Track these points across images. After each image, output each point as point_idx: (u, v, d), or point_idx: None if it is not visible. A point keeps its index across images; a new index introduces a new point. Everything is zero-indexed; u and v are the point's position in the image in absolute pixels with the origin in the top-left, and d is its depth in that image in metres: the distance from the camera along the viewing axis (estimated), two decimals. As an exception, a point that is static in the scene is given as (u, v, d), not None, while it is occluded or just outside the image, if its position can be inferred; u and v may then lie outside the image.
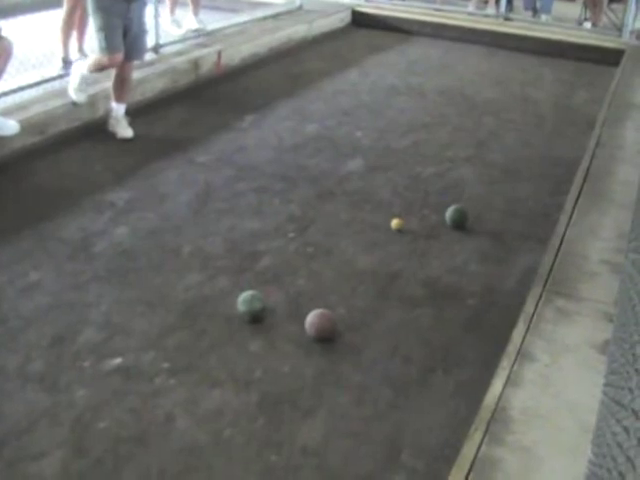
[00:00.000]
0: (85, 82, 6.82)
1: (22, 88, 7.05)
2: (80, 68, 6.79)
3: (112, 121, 6.98)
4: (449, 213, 5.57)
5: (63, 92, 7.11)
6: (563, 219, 5.45)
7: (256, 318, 4.35)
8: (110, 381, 3.87)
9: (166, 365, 4.00)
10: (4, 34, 6.24)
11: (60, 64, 7.84)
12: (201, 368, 3.99)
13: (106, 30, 6.37)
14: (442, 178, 6.42)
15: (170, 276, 4.82)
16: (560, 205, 5.79)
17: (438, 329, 4.41)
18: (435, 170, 6.56)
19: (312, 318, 4.23)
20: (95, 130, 6.81)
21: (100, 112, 7.15)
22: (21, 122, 6.43)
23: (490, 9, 12.24)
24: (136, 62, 7.08)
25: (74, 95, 6.89)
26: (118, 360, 4.02)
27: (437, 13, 11.92)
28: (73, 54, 7.86)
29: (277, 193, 5.99)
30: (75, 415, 3.63)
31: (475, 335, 4.38)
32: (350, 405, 3.79)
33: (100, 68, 6.64)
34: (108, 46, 6.41)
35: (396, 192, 6.10)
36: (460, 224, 5.55)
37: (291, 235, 5.36)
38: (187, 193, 5.94)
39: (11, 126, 6.33)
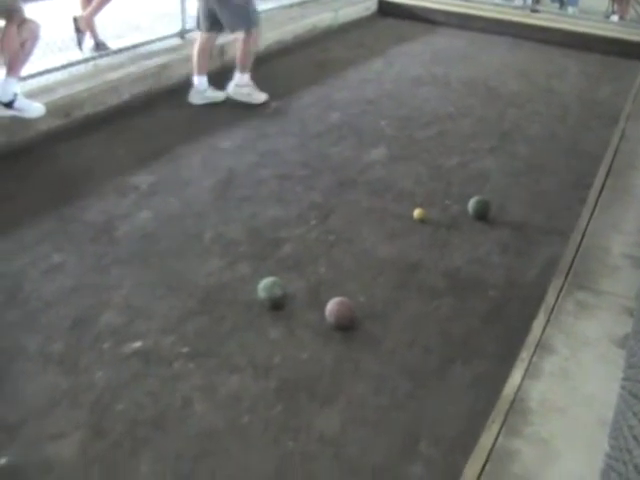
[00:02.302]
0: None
1: (48, 71, 7.08)
2: (243, 78, 7.42)
3: (244, 90, 7.51)
4: (471, 204, 5.56)
5: (88, 75, 7.17)
6: (585, 212, 5.45)
7: (276, 305, 4.36)
8: (129, 364, 3.90)
9: (185, 349, 4.02)
10: (30, 17, 6.27)
11: (90, 46, 7.89)
12: (220, 353, 4.01)
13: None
14: (465, 169, 6.40)
15: (191, 261, 4.84)
16: (583, 198, 5.78)
17: (458, 320, 4.41)
18: (458, 161, 6.54)
19: (332, 306, 4.24)
20: (119, 115, 6.83)
21: (125, 97, 7.17)
22: (46, 105, 6.46)
23: (517, 0, 12.18)
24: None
25: (256, 98, 7.44)
26: (138, 343, 4.05)
27: (463, 3, 11.85)
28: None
29: (299, 180, 6.00)
30: (94, 397, 3.66)
31: (495, 326, 4.37)
32: (368, 394, 3.79)
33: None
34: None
35: (419, 182, 6.09)
36: (482, 215, 5.53)
37: (313, 223, 5.36)
38: (210, 178, 5.95)
39: (36, 108, 6.36)
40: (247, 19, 7.29)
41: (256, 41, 7.52)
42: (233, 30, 7.37)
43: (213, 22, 7.26)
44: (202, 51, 7.43)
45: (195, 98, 7.43)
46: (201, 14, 7.33)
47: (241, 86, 7.56)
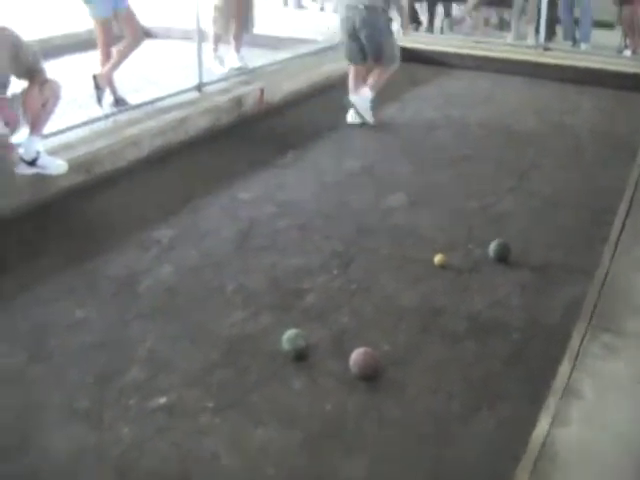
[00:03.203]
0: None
1: (69, 128, 7.17)
2: (365, 93, 8.25)
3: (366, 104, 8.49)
4: (492, 247, 5.55)
5: (108, 131, 7.25)
6: (607, 251, 5.43)
7: (300, 356, 4.36)
8: (154, 419, 3.90)
9: (210, 403, 4.02)
10: (51, 76, 6.36)
11: (110, 102, 7.99)
12: (245, 406, 4.01)
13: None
14: (485, 211, 6.40)
15: (214, 313, 4.86)
16: (604, 237, 5.76)
17: (481, 364, 4.39)
18: (478, 203, 6.54)
19: (356, 356, 4.23)
20: (139, 169, 6.89)
21: (145, 151, 7.24)
22: (68, 161, 6.52)
23: (530, 40, 12.23)
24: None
25: (367, 117, 8.27)
26: (163, 398, 4.05)
27: (477, 45, 11.92)
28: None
29: (319, 229, 6.02)
30: (119, 452, 3.66)
31: (519, 370, 4.35)
32: (393, 442, 3.78)
33: None
34: None
35: (438, 227, 6.10)
36: (503, 257, 5.52)
37: (334, 272, 5.37)
38: (230, 230, 5.99)
39: (59, 165, 6.43)
40: (392, 54, 8.57)
41: (390, 74, 8.70)
42: (377, 61, 8.52)
43: (363, 55, 8.54)
44: (356, 77, 8.68)
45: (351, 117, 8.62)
46: (351, 50, 8.58)
47: (364, 100, 8.51)
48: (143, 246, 5.71)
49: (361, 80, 8.65)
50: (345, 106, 8.55)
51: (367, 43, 8.40)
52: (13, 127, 6.00)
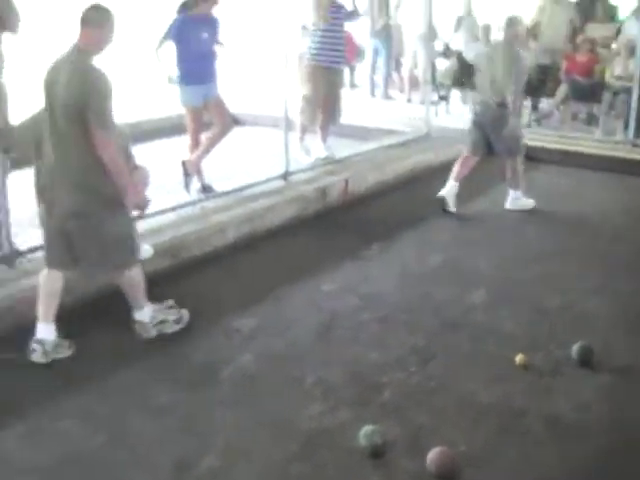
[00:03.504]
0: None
1: (157, 213, 7.33)
2: (517, 193, 8.91)
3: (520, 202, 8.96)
4: (575, 349, 5.47)
5: (195, 217, 7.40)
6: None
7: (376, 453, 4.35)
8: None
9: (286, 496, 4.04)
10: (140, 163, 6.53)
11: (197, 188, 8.17)
12: (321, 501, 4.01)
13: None
14: (569, 310, 6.33)
15: (293, 404, 4.88)
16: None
17: (561, 469, 4.32)
18: (561, 302, 6.47)
19: (433, 455, 4.21)
20: (225, 256, 6.99)
21: (230, 238, 7.36)
22: (155, 246, 6.67)
23: (618, 135, 12.15)
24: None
25: (528, 204, 8.86)
26: (239, 488, 4.09)
27: (564, 140, 11.88)
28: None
29: (401, 324, 6.03)
30: None
31: (600, 476, 4.27)
32: None
33: None
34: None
35: (521, 325, 6.05)
36: (586, 360, 5.44)
37: (413, 368, 5.36)
38: (312, 320, 6.04)
39: (145, 250, 6.56)
40: (518, 147, 8.82)
41: (521, 164, 8.99)
42: (509, 155, 8.81)
43: (488, 149, 8.87)
44: (464, 165, 8.97)
45: (512, 204, 9.00)
46: (477, 141, 8.88)
47: (516, 199, 8.93)
48: (226, 333, 5.80)
49: (467, 171, 8.96)
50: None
51: (495, 137, 8.70)
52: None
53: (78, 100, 5.04)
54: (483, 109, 8.76)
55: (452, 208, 8.76)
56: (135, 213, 5.65)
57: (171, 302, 5.94)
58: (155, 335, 5.71)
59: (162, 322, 5.78)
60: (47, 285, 5.50)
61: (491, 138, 8.75)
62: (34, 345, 5.34)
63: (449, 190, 8.84)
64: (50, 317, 5.44)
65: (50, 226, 5.48)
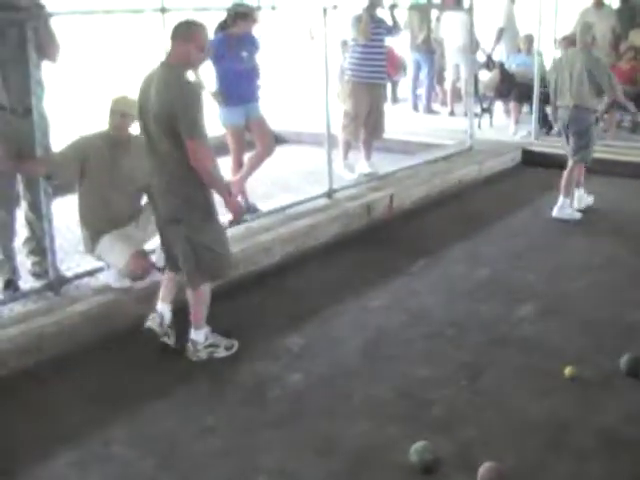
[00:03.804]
0: None
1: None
2: (566, 201, 8.97)
3: (567, 211, 9.08)
4: (624, 360, 5.43)
5: (241, 237, 7.47)
6: None
7: (427, 469, 4.34)
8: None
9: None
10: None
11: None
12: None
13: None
14: (616, 322, 6.27)
15: (341, 423, 4.89)
16: None
17: (613, 483, 4.30)
18: (609, 314, 6.42)
19: (483, 471, 4.20)
20: (271, 275, 7.01)
21: (276, 257, 7.39)
22: (201, 268, 6.70)
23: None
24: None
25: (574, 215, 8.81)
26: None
27: (608, 149, 11.78)
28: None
29: (448, 339, 6.02)
30: None
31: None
32: None
33: None
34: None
35: (569, 338, 6.01)
36: (635, 371, 5.39)
37: (462, 383, 5.35)
38: (359, 338, 6.04)
39: None
40: (586, 151, 9.00)
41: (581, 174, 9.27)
42: (574, 155, 9.02)
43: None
44: (569, 176, 9.11)
45: (559, 212, 9.06)
46: (565, 146, 9.23)
47: (563, 208, 9.01)
48: (274, 353, 5.82)
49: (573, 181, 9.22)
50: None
51: (571, 137, 9.04)
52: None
53: (169, 112, 5.20)
54: (563, 113, 9.03)
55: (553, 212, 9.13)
56: (231, 219, 6.07)
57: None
58: (204, 358, 5.75)
59: (214, 346, 5.83)
60: (164, 282, 5.95)
61: (568, 139, 9.08)
62: (154, 314, 5.84)
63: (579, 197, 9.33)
64: (167, 300, 5.89)
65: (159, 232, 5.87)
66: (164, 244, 5.81)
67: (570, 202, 9.11)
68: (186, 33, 5.37)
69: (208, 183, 5.41)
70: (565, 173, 9.08)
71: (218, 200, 5.57)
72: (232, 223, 6.40)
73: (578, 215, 9.05)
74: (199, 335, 5.79)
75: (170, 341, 5.84)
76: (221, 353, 5.84)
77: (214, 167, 5.53)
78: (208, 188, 5.47)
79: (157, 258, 6.42)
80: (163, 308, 5.84)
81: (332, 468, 4.43)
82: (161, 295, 5.90)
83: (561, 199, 9.04)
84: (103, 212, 6.25)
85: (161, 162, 5.43)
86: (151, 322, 5.80)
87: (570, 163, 9.09)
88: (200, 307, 5.78)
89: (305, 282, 7.14)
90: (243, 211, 5.84)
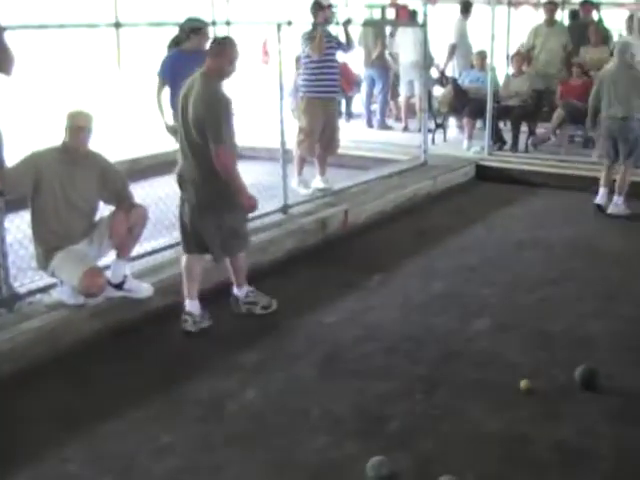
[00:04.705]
0: None
1: (156, 251, 7.35)
2: (620, 198, 9.65)
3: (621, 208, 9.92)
4: (578, 372, 5.47)
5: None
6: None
7: (384, 484, 4.34)
8: None
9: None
10: (137, 202, 6.57)
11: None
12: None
13: None
14: (571, 335, 6.33)
15: (299, 439, 4.88)
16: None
17: (570, 496, 4.32)
18: (563, 326, 6.47)
19: (441, 485, 4.22)
20: (226, 292, 6.97)
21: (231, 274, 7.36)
22: (155, 284, 6.68)
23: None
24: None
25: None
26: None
27: (561, 164, 11.91)
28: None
29: (405, 354, 6.02)
30: None
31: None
32: None
33: None
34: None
35: (524, 351, 6.04)
36: (590, 383, 5.43)
37: (419, 397, 5.35)
38: (315, 354, 6.03)
39: (145, 289, 6.58)
40: (638, 157, 9.82)
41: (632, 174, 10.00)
42: (627, 159, 9.80)
43: (616, 156, 9.87)
44: (608, 174, 10.04)
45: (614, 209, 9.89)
46: (609, 150, 9.93)
47: (618, 205, 9.83)
48: (229, 370, 5.78)
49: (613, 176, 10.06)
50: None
51: (622, 145, 9.80)
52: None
53: (200, 118, 6.06)
54: (611, 122, 9.86)
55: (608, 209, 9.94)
56: (246, 212, 6.66)
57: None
58: (244, 312, 6.71)
59: (253, 303, 6.78)
60: (187, 268, 6.52)
61: (619, 146, 9.83)
62: (185, 316, 6.42)
63: (602, 196, 10.01)
64: (194, 295, 6.51)
65: (185, 219, 6.48)
66: (194, 230, 6.42)
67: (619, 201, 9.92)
68: (217, 49, 6.30)
69: (227, 181, 6.20)
70: (620, 175, 9.93)
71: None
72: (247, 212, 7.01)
73: (628, 210, 9.89)
74: (240, 292, 6.79)
75: (208, 323, 6.52)
76: (258, 310, 6.75)
77: (234, 169, 6.28)
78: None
79: (112, 275, 6.39)
80: (191, 306, 6.49)
81: (291, 484, 4.42)
82: (186, 292, 6.52)
83: (615, 198, 9.89)
84: (57, 228, 6.17)
85: (198, 159, 6.22)
86: (186, 325, 6.42)
87: (622, 167, 9.91)
88: (240, 269, 6.78)
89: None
90: (256, 206, 6.48)
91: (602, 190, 10.04)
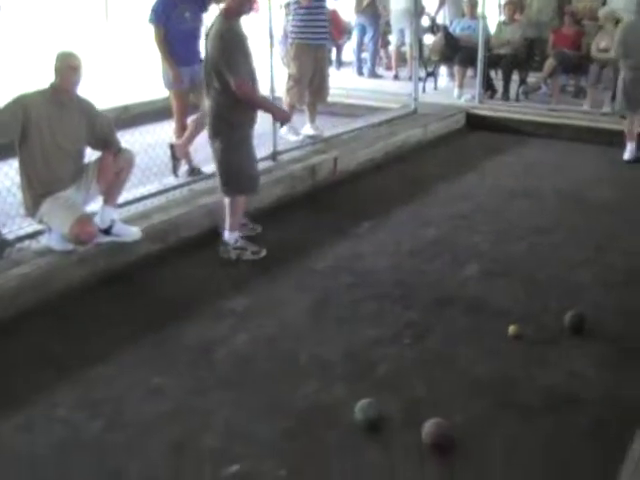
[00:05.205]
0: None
1: (145, 197, 7.31)
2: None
3: None
4: (567, 318, 5.49)
5: (184, 200, 7.38)
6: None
7: (373, 426, 4.35)
8: (229, 488, 3.92)
9: (283, 472, 4.05)
10: (125, 146, 6.52)
11: (185, 171, 8.14)
12: (318, 476, 4.02)
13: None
14: (560, 282, 6.34)
15: (288, 383, 4.88)
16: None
17: (557, 439, 4.33)
18: (553, 274, 6.48)
19: (429, 427, 4.22)
20: (215, 238, 6.95)
21: (219, 220, 7.32)
22: (144, 230, 6.65)
23: (606, 107, 12.10)
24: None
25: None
26: (236, 467, 4.09)
27: (552, 113, 11.87)
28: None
29: (395, 300, 6.01)
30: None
31: (596, 446, 4.28)
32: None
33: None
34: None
35: (514, 297, 6.05)
36: (579, 329, 5.45)
37: (408, 342, 5.37)
38: (305, 300, 6.02)
39: (133, 232, 6.55)
40: None
41: None
42: None
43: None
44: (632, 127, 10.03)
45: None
46: (632, 97, 9.89)
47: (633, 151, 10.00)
48: (218, 315, 5.78)
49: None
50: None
51: None
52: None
53: (215, 55, 6.36)
54: (635, 72, 9.79)
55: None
56: (282, 125, 7.56)
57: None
58: (234, 258, 6.68)
59: (242, 248, 6.80)
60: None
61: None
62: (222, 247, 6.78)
63: (630, 151, 10.06)
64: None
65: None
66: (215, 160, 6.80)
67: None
68: None
69: (255, 106, 6.65)
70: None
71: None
72: (282, 124, 7.76)
73: None
74: (229, 237, 6.80)
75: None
76: (248, 256, 6.76)
77: (257, 95, 6.67)
78: (248, 121, 6.67)
79: (100, 220, 6.35)
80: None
81: (279, 427, 4.42)
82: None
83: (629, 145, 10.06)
84: (45, 173, 6.10)
85: (213, 94, 6.51)
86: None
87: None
88: (232, 213, 6.78)
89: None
90: (289, 117, 7.03)
91: (630, 145, 10.06)
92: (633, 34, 9.82)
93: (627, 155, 10.02)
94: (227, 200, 6.76)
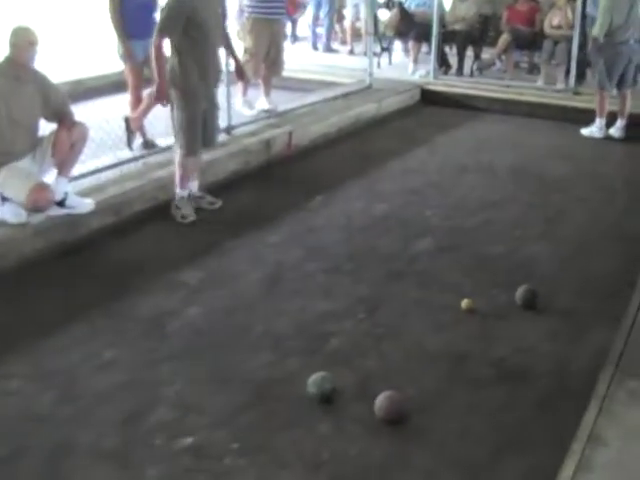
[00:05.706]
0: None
1: (99, 170, 7.26)
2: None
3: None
4: (519, 293, 5.55)
5: (138, 173, 7.35)
6: (636, 297, 5.42)
7: (326, 399, 4.38)
8: (181, 460, 3.95)
9: (236, 445, 4.06)
10: (79, 119, 6.48)
11: (139, 144, 8.09)
12: (270, 449, 4.04)
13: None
14: (511, 257, 6.41)
15: (241, 356, 4.90)
16: (633, 283, 5.75)
17: (507, 411, 4.39)
18: (504, 249, 6.54)
19: (381, 400, 4.25)
20: (168, 211, 6.93)
21: (173, 194, 7.30)
22: (98, 203, 6.62)
23: (560, 84, 12.19)
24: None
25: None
26: (189, 439, 4.10)
27: (506, 89, 11.93)
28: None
29: (347, 274, 6.05)
30: (146, 495, 3.69)
31: (546, 417, 4.34)
32: (419, 488, 3.78)
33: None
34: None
35: (465, 272, 6.11)
36: (530, 303, 5.52)
37: (361, 316, 5.40)
38: (258, 273, 6.03)
39: (86, 204, 6.52)
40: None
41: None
42: (633, 84, 10.19)
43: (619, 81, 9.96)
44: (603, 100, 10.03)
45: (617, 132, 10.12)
46: (609, 75, 9.85)
47: (621, 129, 10.09)
48: (171, 288, 5.78)
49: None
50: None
51: (632, 68, 10.03)
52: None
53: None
54: (626, 48, 9.85)
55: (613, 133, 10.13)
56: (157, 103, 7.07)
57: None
58: (173, 214, 7.00)
59: (201, 197, 7.27)
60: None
61: (627, 69, 9.92)
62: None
63: (601, 128, 10.15)
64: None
65: None
66: None
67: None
68: None
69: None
70: (625, 101, 10.05)
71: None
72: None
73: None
74: (193, 186, 7.20)
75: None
76: (205, 205, 7.25)
77: (158, 56, 6.70)
78: (193, 78, 6.73)
79: (54, 192, 6.31)
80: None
81: (232, 400, 4.43)
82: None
83: (619, 122, 10.08)
84: (0, 145, 6.07)
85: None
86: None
87: (625, 92, 10.07)
88: (177, 172, 7.04)
89: (203, 218, 7.04)
90: (164, 98, 6.80)
91: (600, 121, 10.13)
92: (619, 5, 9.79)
93: (617, 133, 10.10)
94: (177, 158, 7.01)
